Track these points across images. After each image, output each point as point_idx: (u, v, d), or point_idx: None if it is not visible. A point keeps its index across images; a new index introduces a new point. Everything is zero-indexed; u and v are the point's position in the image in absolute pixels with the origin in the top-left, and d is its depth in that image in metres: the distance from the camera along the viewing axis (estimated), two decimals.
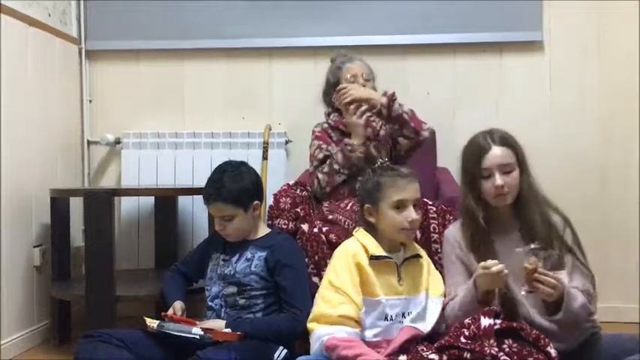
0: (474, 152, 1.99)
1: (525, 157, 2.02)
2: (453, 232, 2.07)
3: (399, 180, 1.96)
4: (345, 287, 1.88)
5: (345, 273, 1.90)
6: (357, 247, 1.94)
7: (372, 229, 1.99)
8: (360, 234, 1.99)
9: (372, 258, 1.92)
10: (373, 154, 2.46)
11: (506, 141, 2.00)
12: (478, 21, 3.11)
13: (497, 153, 1.97)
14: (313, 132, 2.68)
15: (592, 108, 3.10)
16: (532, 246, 1.83)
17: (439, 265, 2.13)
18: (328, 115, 2.69)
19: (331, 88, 2.63)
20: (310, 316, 1.93)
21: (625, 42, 3.07)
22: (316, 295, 1.99)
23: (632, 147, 3.06)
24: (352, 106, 2.46)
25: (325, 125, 2.66)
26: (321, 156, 2.54)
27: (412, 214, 1.94)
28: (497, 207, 1.99)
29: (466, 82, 3.17)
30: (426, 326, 1.93)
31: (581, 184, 3.10)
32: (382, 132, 2.57)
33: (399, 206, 1.94)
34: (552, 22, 3.11)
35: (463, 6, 3.10)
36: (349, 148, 2.45)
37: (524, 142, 3.05)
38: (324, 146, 2.58)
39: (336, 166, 2.46)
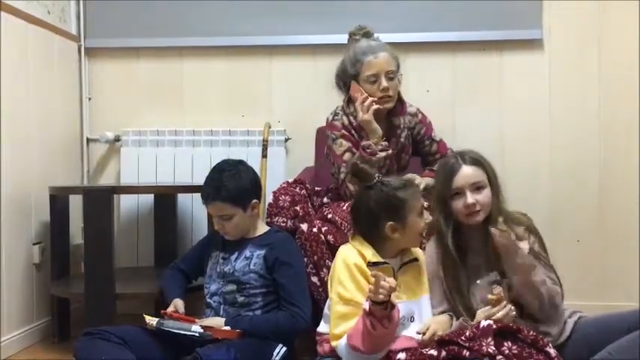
0: (445, 173, 2.05)
1: (496, 179, 2.06)
2: (430, 247, 2.11)
3: (415, 190, 2.01)
4: (356, 298, 1.87)
5: (352, 283, 1.88)
6: (355, 254, 1.93)
7: (372, 237, 1.96)
8: (357, 242, 1.97)
9: (370, 264, 1.91)
10: (356, 167, 2.31)
11: (477, 161, 2.04)
12: (478, 19, 3.10)
13: (467, 172, 2.02)
14: (333, 125, 2.44)
15: (592, 106, 3.10)
16: (492, 277, 1.88)
17: None
18: (347, 103, 2.45)
19: (349, 78, 2.41)
20: (330, 337, 1.89)
21: (625, 40, 3.06)
22: (327, 310, 1.96)
23: (632, 145, 3.06)
24: (357, 102, 2.34)
25: (345, 120, 2.43)
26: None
27: (428, 215, 1.99)
28: (470, 227, 2.03)
29: (466, 80, 3.17)
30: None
31: (580, 182, 3.10)
32: (402, 139, 2.48)
33: (422, 213, 1.98)
34: (552, 20, 3.11)
35: (463, 4, 3.10)
36: (368, 151, 2.29)
37: (524, 141, 3.10)
38: (354, 150, 2.37)
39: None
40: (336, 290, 1.91)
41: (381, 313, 1.76)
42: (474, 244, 2.04)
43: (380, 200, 1.94)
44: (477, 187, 2.00)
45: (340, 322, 1.87)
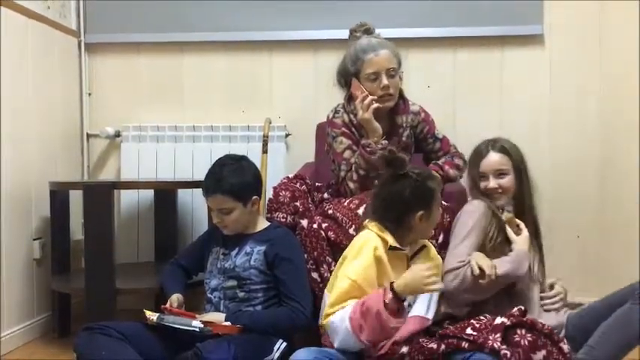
0: (475, 157, 2.22)
1: (525, 169, 2.21)
2: (477, 201, 2.19)
3: (438, 181, 2.07)
4: (359, 280, 1.87)
5: (362, 266, 1.89)
6: (378, 240, 1.93)
7: (397, 226, 1.97)
8: (376, 228, 1.96)
9: (391, 249, 1.92)
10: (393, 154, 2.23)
11: (505, 149, 2.20)
12: (479, 15, 3.10)
13: (493, 159, 2.19)
14: (334, 123, 2.44)
15: (592, 102, 3.10)
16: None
17: None
18: (348, 101, 2.45)
19: (349, 76, 2.40)
20: (325, 313, 1.89)
21: (625, 35, 3.06)
22: (330, 287, 1.96)
23: (632, 141, 3.05)
24: (357, 101, 2.34)
25: (346, 118, 2.43)
26: (353, 160, 2.35)
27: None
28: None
29: (467, 75, 3.17)
30: (428, 311, 1.93)
31: (580, 178, 3.10)
32: (404, 138, 2.47)
33: (441, 203, 2.07)
34: (553, 15, 3.10)
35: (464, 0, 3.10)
36: (368, 149, 2.30)
37: (524, 137, 3.09)
38: (355, 147, 2.37)
39: (362, 172, 2.32)
40: (346, 267, 1.91)
41: (396, 304, 1.79)
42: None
43: (415, 189, 1.95)
44: (500, 174, 2.16)
45: (339, 300, 1.86)
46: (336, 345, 1.83)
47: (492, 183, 2.16)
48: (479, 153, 2.21)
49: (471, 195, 2.25)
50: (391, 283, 1.83)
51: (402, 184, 1.95)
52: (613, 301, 1.99)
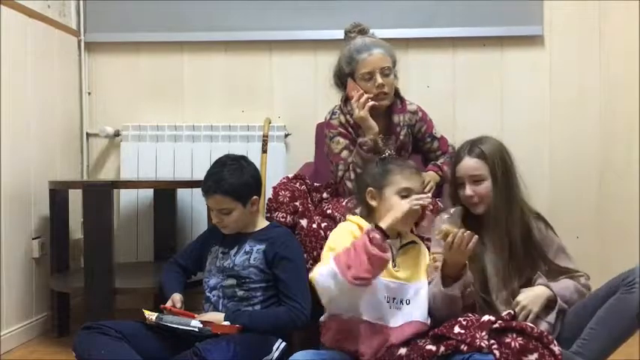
0: (453, 160, 2.12)
1: (506, 174, 2.04)
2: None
3: (407, 169, 2.00)
4: (339, 247, 1.86)
5: (342, 241, 1.89)
6: (354, 226, 1.95)
7: (368, 215, 1.99)
8: (355, 217, 1.99)
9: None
10: (385, 149, 2.31)
11: (483, 154, 2.04)
12: (479, 15, 3.10)
13: (467, 164, 2.04)
14: (331, 124, 2.46)
15: (592, 102, 3.10)
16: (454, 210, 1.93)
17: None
18: (344, 102, 2.48)
19: (345, 76, 2.43)
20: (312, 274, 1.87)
21: (625, 35, 3.06)
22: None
23: (632, 141, 3.06)
24: (353, 100, 2.36)
25: (342, 119, 2.45)
26: (350, 160, 2.38)
27: (416, 203, 1.95)
28: (480, 216, 2.05)
29: (466, 76, 3.17)
30: (424, 313, 1.93)
31: (580, 178, 3.10)
32: (402, 137, 2.48)
33: (405, 194, 1.95)
34: (553, 16, 3.11)
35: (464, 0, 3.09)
36: (365, 148, 2.32)
37: (524, 138, 3.09)
38: (352, 147, 2.40)
39: (359, 171, 2.31)
40: (327, 245, 1.95)
41: (381, 239, 1.79)
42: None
43: (371, 168, 2.03)
44: (475, 180, 2.03)
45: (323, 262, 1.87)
46: (325, 301, 1.84)
47: (468, 190, 2.02)
48: (456, 157, 2.09)
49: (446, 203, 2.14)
50: (376, 224, 1.88)
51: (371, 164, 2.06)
52: (604, 292, 1.94)
